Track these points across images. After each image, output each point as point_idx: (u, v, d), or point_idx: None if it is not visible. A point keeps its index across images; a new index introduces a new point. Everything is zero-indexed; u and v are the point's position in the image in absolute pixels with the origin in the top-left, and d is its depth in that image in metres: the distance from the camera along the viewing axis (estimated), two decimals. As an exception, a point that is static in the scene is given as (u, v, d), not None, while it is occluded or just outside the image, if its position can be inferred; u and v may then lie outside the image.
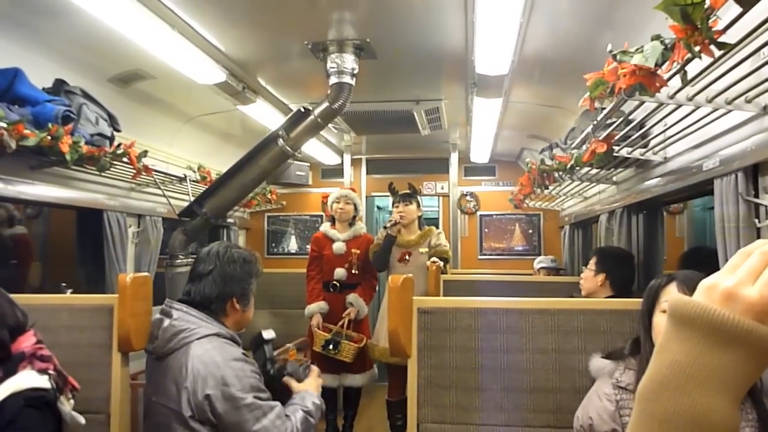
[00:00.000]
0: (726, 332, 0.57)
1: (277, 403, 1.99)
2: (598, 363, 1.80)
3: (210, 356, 1.92)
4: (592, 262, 3.12)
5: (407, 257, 4.25)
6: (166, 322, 2.02)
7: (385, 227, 4.21)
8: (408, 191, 4.37)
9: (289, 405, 2.07)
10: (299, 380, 2.22)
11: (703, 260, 2.16)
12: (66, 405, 1.61)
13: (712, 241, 2.72)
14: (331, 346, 4.11)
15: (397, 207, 4.28)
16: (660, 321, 1.65)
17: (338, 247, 4.40)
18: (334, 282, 4.37)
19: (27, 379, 1.52)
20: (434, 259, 3.97)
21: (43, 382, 1.55)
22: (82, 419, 1.64)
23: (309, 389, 2.19)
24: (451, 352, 2.07)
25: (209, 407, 1.87)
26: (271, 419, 1.92)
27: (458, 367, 2.06)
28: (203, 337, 1.96)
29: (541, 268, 5.22)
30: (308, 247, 4.68)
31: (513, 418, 2.00)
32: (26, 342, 1.62)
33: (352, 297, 4.34)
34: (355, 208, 4.55)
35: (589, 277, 3.08)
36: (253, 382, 1.95)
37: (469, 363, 2.05)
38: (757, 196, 1.96)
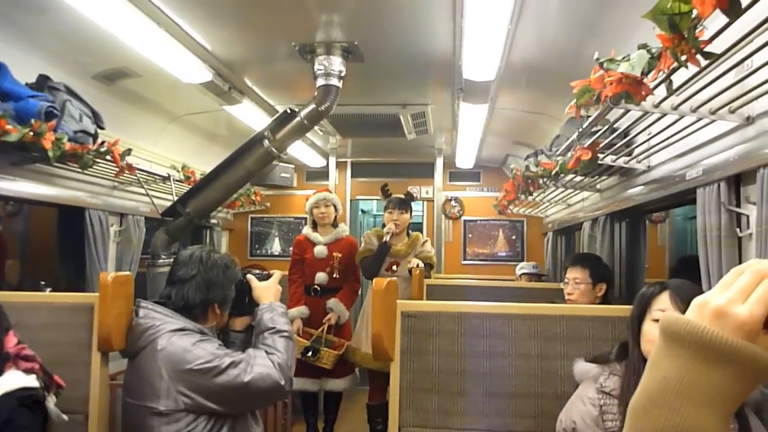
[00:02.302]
0: (715, 350, 0.58)
1: (254, 350, 2.03)
2: (582, 367, 1.81)
3: (176, 345, 1.92)
4: (585, 274, 2.97)
5: (395, 267, 4.21)
6: (134, 321, 2.02)
7: (385, 242, 4.11)
8: (404, 197, 4.31)
9: (264, 336, 2.09)
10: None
11: (694, 270, 2.17)
12: (51, 403, 1.61)
13: (692, 250, 2.75)
14: (310, 354, 4.05)
15: (391, 214, 4.21)
16: (650, 329, 1.65)
17: (319, 250, 4.33)
18: (315, 286, 4.32)
19: (15, 379, 1.54)
20: (416, 261, 3.95)
21: (31, 381, 1.57)
22: (65, 417, 1.64)
23: (268, 291, 2.25)
24: (434, 356, 2.07)
25: (192, 389, 1.88)
26: (258, 363, 1.96)
27: (441, 371, 2.06)
28: (169, 332, 1.96)
29: (523, 273, 5.24)
30: (291, 249, 4.64)
31: (495, 422, 2.00)
32: (9, 343, 1.62)
33: (332, 302, 4.28)
34: (335, 209, 4.47)
35: (586, 290, 2.95)
36: (224, 351, 1.98)
37: (452, 367, 2.05)
38: (739, 205, 1.98)
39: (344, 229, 4.54)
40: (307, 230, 4.50)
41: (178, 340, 1.94)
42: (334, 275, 4.32)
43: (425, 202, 6.71)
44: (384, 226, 4.27)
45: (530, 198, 4.70)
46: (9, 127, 2.58)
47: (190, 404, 1.88)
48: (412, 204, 4.37)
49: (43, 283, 3.85)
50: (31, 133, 2.70)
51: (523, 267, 5.36)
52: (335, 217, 4.49)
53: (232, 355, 1.97)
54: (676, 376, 0.60)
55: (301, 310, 4.25)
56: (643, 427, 0.61)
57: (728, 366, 0.58)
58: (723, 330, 0.58)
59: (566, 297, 3.04)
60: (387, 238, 4.11)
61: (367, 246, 4.26)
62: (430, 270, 4.23)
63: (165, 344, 1.92)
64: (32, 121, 2.72)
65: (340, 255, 4.33)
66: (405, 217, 4.23)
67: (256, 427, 2.11)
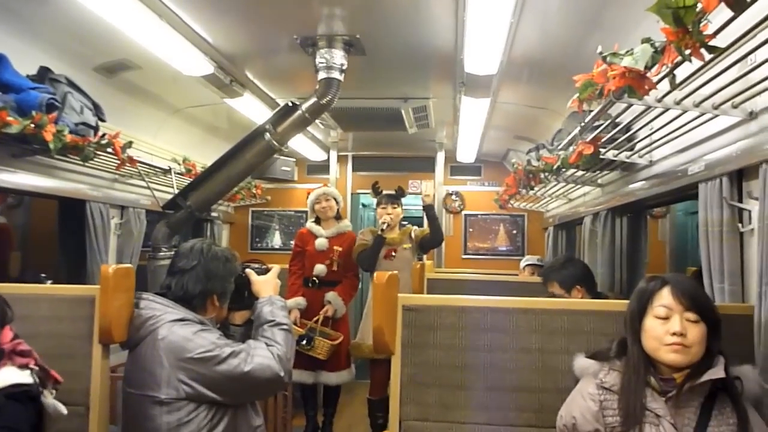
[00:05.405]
0: None
1: (254, 342, 2.06)
2: (582, 363, 1.80)
3: (177, 334, 1.94)
4: (555, 286, 2.82)
5: (393, 254, 4.29)
6: (134, 312, 2.03)
7: (381, 231, 4.20)
8: (394, 193, 4.40)
9: (264, 328, 2.11)
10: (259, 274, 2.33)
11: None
12: (49, 398, 1.60)
13: (693, 246, 2.74)
14: (304, 342, 4.02)
15: (385, 209, 4.31)
16: (653, 325, 1.64)
17: (320, 243, 4.36)
18: (314, 278, 4.33)
19: (8, 375, 1.53)
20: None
21: (25, 377, 1.56)
22: (64, 409, 1.64)
23: (267, 285, 2.28)
24: (435, 350, 2.06)
25: (193, 377, 1.89)
26: (258, 354, 1.99)
27: (442, 365, 2.05)
28: (170, 322, 1.97)
29: (528, 265, 5.21)
30: (292, 242, 4.65)
31: (496, 416, 2.00)
32: (5, 338, 1.61)
33: (330, 295, 4.28)
34: (336, 202, 4.53)
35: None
36: (225, 341, 2.00)
37: (453, 361, 2.05)
38: (741, 200, 1.98)
39: (347, 224, 4.58)
40: (310, 223, 4.55)
41: (179, 330, 1.95)
42: (333, 268, 4.33)
43: (426, 196, 6.68)
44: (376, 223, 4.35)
45: (531, 192, 4.69)
46: (10, 118, 2.58)
47: (191, 393, 1.89)
48: (411, 198, 4.43)
49: (44, 275, 3.85)
50: (32, 125, 2.69)
51: (528, 259, 5.31)
52: (338, 210, 4.53)
53: (233, 345, 1.99)
54: None
55: (298, 300, 4.26)
56: None
57: None
58: None
59: None
60: (383, 227, 4.21)
61: (362, 242, 4.31)
62: (431, 210, 4.37)
63: (166, 333, 1.94)
64: (33, 112, 2.71)
65: (340, 249, 4.35)
66: (397, 210, 4.35)
67: (256, 418, 2.13)
